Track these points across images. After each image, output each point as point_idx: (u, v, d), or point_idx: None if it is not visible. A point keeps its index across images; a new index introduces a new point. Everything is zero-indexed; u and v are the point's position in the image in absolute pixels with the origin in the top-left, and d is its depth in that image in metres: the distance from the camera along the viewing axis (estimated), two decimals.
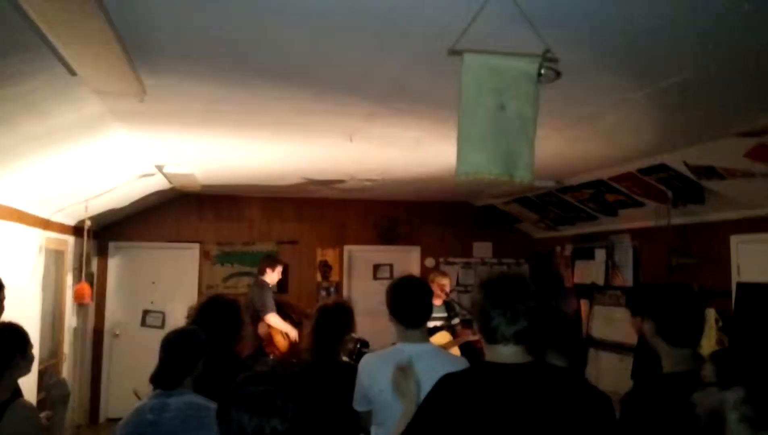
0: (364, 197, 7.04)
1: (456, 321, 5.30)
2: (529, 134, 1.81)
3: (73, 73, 2.58)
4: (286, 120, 3.40)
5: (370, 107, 3.09)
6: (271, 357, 5.32)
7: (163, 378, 2.14)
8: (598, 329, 6.19)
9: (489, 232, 7.61)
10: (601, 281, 6.17)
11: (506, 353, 1.59)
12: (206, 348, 2.23)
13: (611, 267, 6.06)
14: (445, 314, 5.14)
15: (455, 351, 5.02)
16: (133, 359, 6.38)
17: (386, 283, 7.92)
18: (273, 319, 5.44)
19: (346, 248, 7.33)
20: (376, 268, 7.50)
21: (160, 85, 2.80)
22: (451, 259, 7.50)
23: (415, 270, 7.45)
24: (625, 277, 5.85)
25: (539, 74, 1.78)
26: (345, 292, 7.23)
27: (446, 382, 1.65)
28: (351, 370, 2.44)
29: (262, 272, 5.77)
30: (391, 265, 7.50)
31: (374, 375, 2.26)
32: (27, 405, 2.07)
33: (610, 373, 5.96)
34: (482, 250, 7.63)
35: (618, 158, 4.56)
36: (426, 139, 3.79)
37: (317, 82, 2.76)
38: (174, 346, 2.18)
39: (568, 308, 6.78)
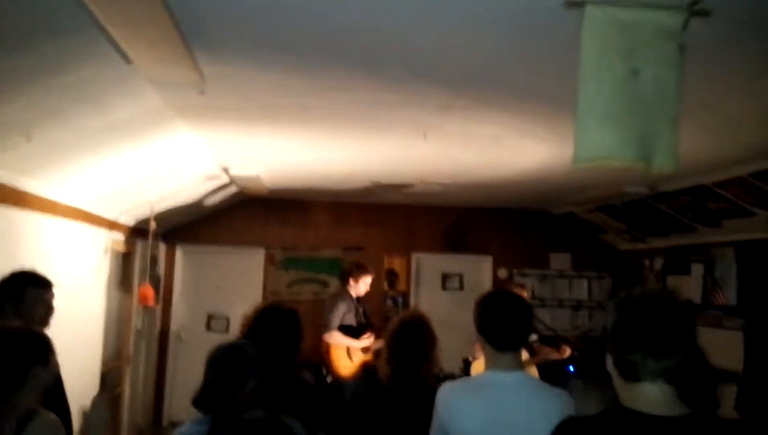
0: (432, 203, 6.70)
1: (534, 338, 4.84)
2: (672, 109, 1.41)
3: (127, 60, 2.39)
4: (354, 114, 3.11)
5: (447, 98, 2.75)
6: (329, 380, 4.98)
7: (208, 400, 1.89)
8: None
9: (568, 242, 7.07)
10: (698, 300, 5.52)
11: (652, 397, 1.20)
12: (259, 366, 1.96)
13: (711, 284, 5.41)
14: None
15: (532, 371, 4.57)
16: (198, 364, 6.18)
17: (456, 293, 7.48)
18: (331, 337, 4.97)
19: (414, 256, 7.00)
20: (445, 277, 7.11)
21: (220, 75, 2.58)
22: (525, 271, 7.01)
23: (487, 281, 7.03)
24: (728, 296, 5.20)
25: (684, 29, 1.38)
26: (412, 302, 6.90)
27: (567, 431, 1.28)
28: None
29: (345, 282, 5.27)
30: (460, 275, 7.11)
31: (456, 409, 1.91)
32: (49, 422, 1.83)
33: None
34: (560, 261, 7.09)
35: (727, 160, 3.99)
36: (505, 136, 3.41)
37: (390, 68, 2.45)
38: (221, 363, 1.92)
39: None
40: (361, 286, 5.20)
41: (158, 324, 6.54)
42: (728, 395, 4.90)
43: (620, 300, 1.29)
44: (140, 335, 5.93)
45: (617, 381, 1.31)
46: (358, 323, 5.20)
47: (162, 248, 6.53)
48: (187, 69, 2.46)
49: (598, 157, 1.42)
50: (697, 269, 5.61)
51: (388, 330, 2.48)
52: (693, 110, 2.90)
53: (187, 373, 6.39)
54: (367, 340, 5.14)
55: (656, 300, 1.25)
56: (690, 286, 5.69)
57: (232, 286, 6.77)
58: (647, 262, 6.44)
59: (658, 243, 6.19)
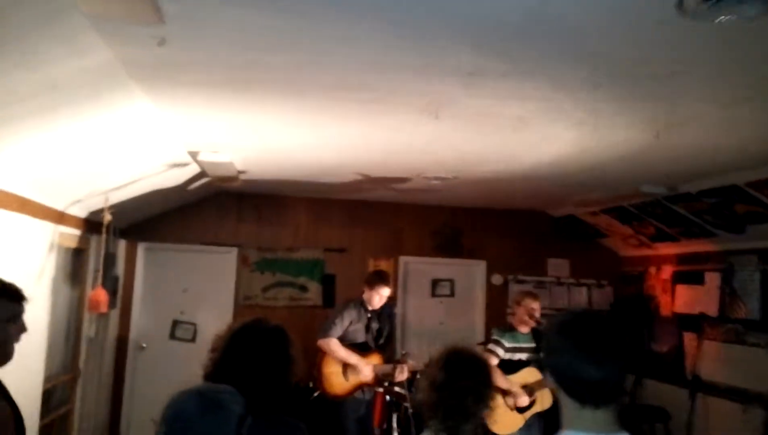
0: (423, 201, 6.13)
1: None
2: None
3: None
4: (352, 82, 2.52)
5: (479, 60, 2.18)
6: (316, 394, 4.33)
7: None
8: (709, 370, 5.08)
9: (566, 247, 6.58)
10: (713, 312, 5.08)
11: None
12: (245, 423, 1.34)
13: (728, 294, 4.96)
14: (533, 345, 4.15)
15: (546, 393, 4.04)
16: (160, 376, 5.63)
17: (446, 301, 6.77)
18: (327, 345, 4.31)
19: (402, 259, 6.42)
20: (435, 283, 6.56)
21: (185, 15, 1.96)
22: (521, 277, 6.50)
23: (480, 288, 6.50)
24: (749, 308, 4.75)
25: None
26: (399, 311, 6.31)
27: None
28: None
29: (363, 290, 4.59)
30: (451, 281, 6.56)
31: None
32: None
33: (724, 424, 4.85)
34: (558, 268, 6.60)
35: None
36: (534, 118, 2.85)
37: (409, 14, 1.87)
38: (192, 430, 1.29)
39: (665, 341, 5.71)
40: (375, 296, 4.46)
41: (115, 331, 5.82)
42: (753, 419, 4.46)
43: None
44: (93, 344, 5.22)
45: None
46: (369, 341, 4.52)
47: (122, 245, 5.82)
48: (140, 3, 1.85)
49: None
50: (713, 278, 5.16)
51: (431, 363, 1.86)
52: (748, 92, 2.40)
53: (148, 387, 5.71)
54: (371, 360, 4.43)
55: None
56: (703, 296, 5.25)
57: (201, 290, 6.10)
58: (653, 270, 5.99)
59: (667, 249, 5.73)
